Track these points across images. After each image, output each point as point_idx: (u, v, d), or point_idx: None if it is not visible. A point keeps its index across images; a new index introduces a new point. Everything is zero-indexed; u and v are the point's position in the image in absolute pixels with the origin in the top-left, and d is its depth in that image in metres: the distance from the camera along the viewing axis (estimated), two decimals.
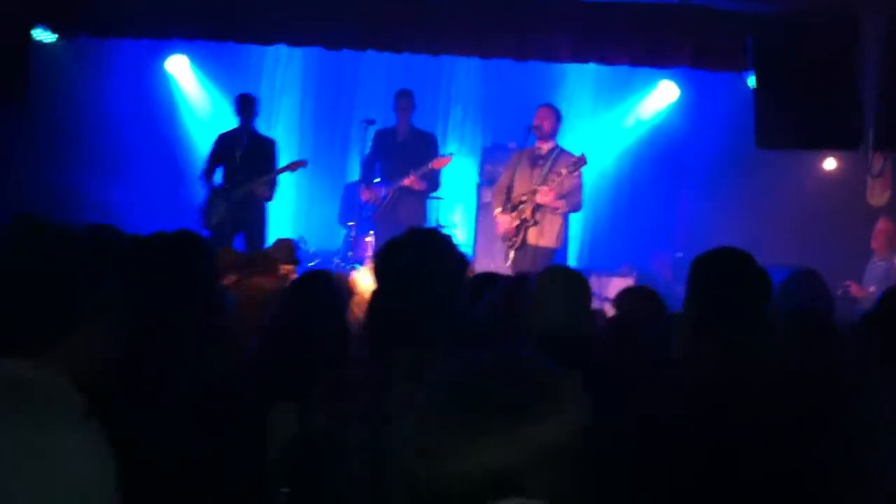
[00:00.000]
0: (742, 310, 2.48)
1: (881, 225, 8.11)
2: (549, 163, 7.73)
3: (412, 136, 8.59)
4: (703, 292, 2.57)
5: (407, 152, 8.47)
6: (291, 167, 8.43)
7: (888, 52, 7.02)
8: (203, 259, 2.93)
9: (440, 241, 2.66)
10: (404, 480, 1.35)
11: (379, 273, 2.69)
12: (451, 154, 8.55)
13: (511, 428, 1.29)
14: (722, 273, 2.56)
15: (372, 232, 8.62)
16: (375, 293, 2.70)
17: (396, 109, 8.59)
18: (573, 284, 3.19)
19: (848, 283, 7.63)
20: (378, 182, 8.60)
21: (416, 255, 2.58)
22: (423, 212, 8.57)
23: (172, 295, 2.73)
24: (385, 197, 8.47)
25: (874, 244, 8.08)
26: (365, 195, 8.57)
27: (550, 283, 3.21)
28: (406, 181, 8.29)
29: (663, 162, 9.83)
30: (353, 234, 8.54)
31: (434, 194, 9.09)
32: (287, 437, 2.83)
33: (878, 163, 7.79)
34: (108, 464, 1.65)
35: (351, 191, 9.22)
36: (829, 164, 9.66)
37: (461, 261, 2.68)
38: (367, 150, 8.66)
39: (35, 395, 1.66)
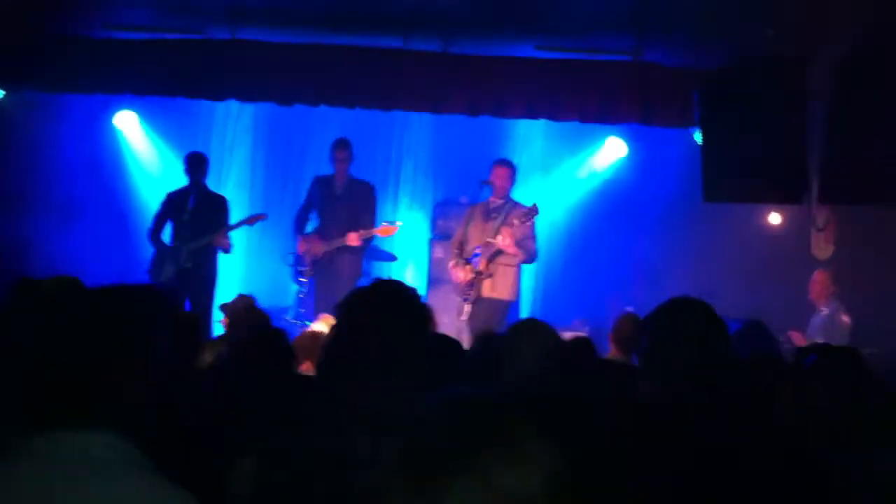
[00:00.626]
0: (706, 356, 2.50)
1: (816, 276, 8.34)
2: (502, 215, 7.81)
3: (350, 187, 8.47)
4: (667, 339, 2.57)
5: (345, 204, 8.38)
6: (250, 220, 8.40)
7: (832, 106, 7.20)
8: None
9: (405, 292, 2.66)
10: None
11: (343, 322, 2.66)
12: (397, 223, 8.47)
13: (478, 476, 1.27)
14: (685, 321, 2.58)
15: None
16: (335, 341, 2.68)
17: (334, 161, 8.45)
18: (545, 337, 3.22)
19: (790, 332, 7.77)
20: (313, 233, 8.50)
21: (383, 305, 2.57)
22: (360, 267, 8.48)
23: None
24: (323, 252, 8.35)
25: (811, 295, 8.32)
26: (302, 247, 8.46)
27: (521, 337, 3.24)
28: (349, 240, 8.19)
29: (614, 215, 9.93)
30: (304, 290, 8.46)
31: (387, 253, 9.09)
32: (247, 494, 2.77)
33: (821, 217, 7.95)
34: None
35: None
36: (775, 218, 9.84)
37: (425, 312, 2.67)
38: (303, 200, 8.60)
39: (107, 463, 1.69)
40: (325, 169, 8.63)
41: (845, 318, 8.18)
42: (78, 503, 1.64)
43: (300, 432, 2.56)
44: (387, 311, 2.57)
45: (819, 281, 8.33)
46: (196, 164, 8.32)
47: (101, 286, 1.97)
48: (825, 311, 8.28)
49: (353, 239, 8.16)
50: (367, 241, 8.36)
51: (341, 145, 8.44)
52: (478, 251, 7.78)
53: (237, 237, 8.58)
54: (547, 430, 1.38)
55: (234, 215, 8.53)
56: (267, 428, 2.78)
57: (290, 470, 2.50)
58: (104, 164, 10.03)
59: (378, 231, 8.26)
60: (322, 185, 8.51)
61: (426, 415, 1.38)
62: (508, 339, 3.24)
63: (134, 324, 1.85)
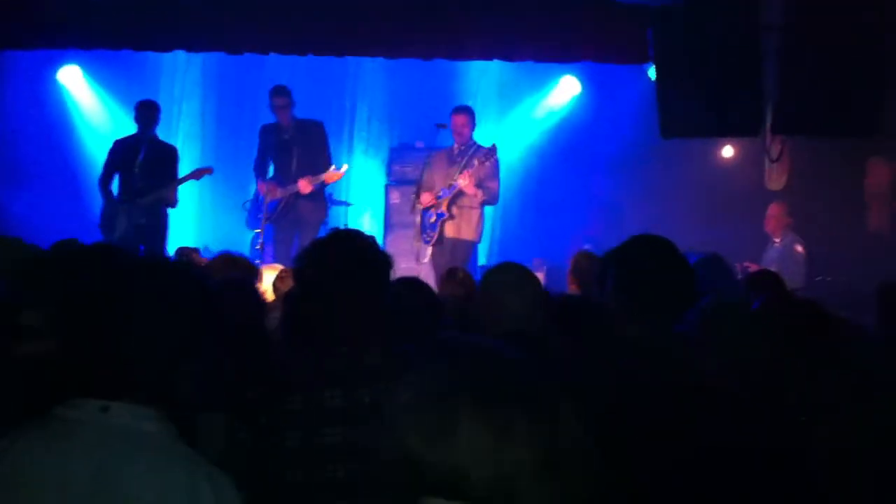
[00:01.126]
0: (673, 293, 2.51)
1: (771, 210, 8.48)
2: (465, 158, 7.87)
3: (298, 129, 8.38)
4: (632, 279, 2.58)
5: (297, 148, 8.31)
6: (196, 174, 8.28)
7: (786, 38, 7.22)
8: None
9: (363, 240, 2.64)
10: (395, 475, 1.31)
11: (303, 273, 2.64)
12: (343, 166, 8.35)
13: (498, 427, 1.26)
14: (652, 258, 2.58)
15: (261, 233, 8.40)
16: (295, 295, 2.65)
17: (274, 109, 8.35)
18: (525, 279, 3.22)
19: (746, 263, 7.89)
20: (271, 179, 8.41)
21: (341, 254, 2.55)
22: (322, 211, 8.44)
23: None
24: (280, 199, 8.29)
25: (767, 228, 8.47)
26: (262, 189, 8.39)
27: (503, 279, 3.24)
28: (301, 187, 8.15)
29: (570, 155, 9.96)
30: (260, 240, 8.39)
31: (342, 199, 9.04)
32: (217, 450, 2.76)
33: (776, 148, 8.02)
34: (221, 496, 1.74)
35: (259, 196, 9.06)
36: (727, 151, 9.93)
37: (385, 259, 2.66)
38: (257, 150, 8.52)
39: (149, 444, 1.72)
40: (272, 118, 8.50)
41: (800, 249, 8.32)
42: (131, 477, 1.67)
43: (271, 386, 2.55)
44: (347, 264, 2.55)
45: (774, 214, 8.46)
46: (146, 112, 8.18)
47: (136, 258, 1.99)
48: (779, 242, 8.42)
49: (304, 186, 8.13)
50: (320, 186, 8.29)
51: (279, 92, 8.33)
52: (441, 193, 7.83)
53: (190, 190, 8.49)
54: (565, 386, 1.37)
55: (185, 167, 8.41)
56: (235, 383, 2.77)
57: (259, 426, 2.49)
58: (51, 122, 9.87)
59: (325, 177, 8.19)
60: (270, 133, 8.43)
61: (430, 365, 1.36)
62: (493, 285, 3.23)
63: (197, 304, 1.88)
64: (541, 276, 8.59)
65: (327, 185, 8.39)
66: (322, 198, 8.47)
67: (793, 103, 7.19)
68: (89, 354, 1.75)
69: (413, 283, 3.92)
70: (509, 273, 3.31)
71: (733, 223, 9.00)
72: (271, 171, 8.48)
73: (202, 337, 1.87)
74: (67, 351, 1.82)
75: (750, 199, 9.19)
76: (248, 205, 8.65)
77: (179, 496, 1.67)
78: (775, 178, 9.12)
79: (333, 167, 8.23)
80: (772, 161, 8.16)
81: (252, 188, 8.79)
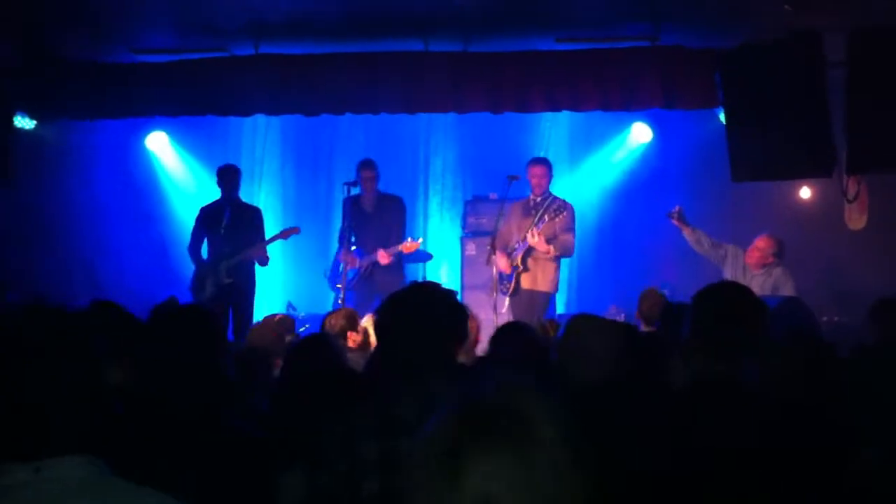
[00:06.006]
0: (747, 334, 2.65)
1: (759, 242, 7.93)
2: (541, 210, 8.01)
3: (379, 204, 8.73)
4: (711, 321, 2.73)
5: (377, 221, 8.65)
6: (284, 234, 8.60)
7: (850, 72, 7.17)
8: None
9: (440, 293, 2.76)
10: None
11: (382, 325, 2.77)
12: (419, 239, 8.63)
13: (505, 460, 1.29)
14: (727, 302, 2.75)
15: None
16: (378, 347, 2.76)
17: (360, 181, 8.65)
18: (604, 330, 3.26)
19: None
20: (355, 249, 8.70)
21: (419, 306, 2.67)
22: (399, 277, 8.61)
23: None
24: (360, 268, 8.59)
25: (748, 259, 8.07)
26: (343, 258, 8.67)
27: (582, 331, 3.28)
28: (379, 258, 8.44)
29: (643, 202, 9.93)
30: (341, 297, 8.59)
31: (424, 252, 9.25)
32: (298, 498, 2.86)
33: (853, 187, 7.90)
34: None
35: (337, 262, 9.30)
36: (805, 192, 9.80)
37: (461, 311, 2.77)
38: (342, 220, 8.80)
39: (93, 482, 1.75)
40: (354, 175, 8.75)
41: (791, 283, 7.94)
42: None
43: (348, 437, 2.65)
44: (424, 313, 2.67)
45: (761, 247, 8.00)
46: (228, 177, 8.49)
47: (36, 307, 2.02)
48: (760, 273, 8.05)
49: (382, 256, 8.42)
50: (398, 256, 8.58)
51: (366, 165, 8.69)
52: (517, 245, 7.97)
53: (274, 249, 8.75)
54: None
55: (268, 225, 8.69)
56: (317, 434, 2.88)
57: (338, 475, 2.59)
58: (140, 186, 10.23)
59: (402, 248, 8.49)
60: (353, 205, 8.71)
61: (458, 406, 1.38)
62: (573, 337, 3.27)
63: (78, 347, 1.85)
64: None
65: (405, 254, 8.64)
66: (400, 269, 8.73)
67: (864, 141, 7.11)
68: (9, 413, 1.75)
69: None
70: (587, 327, 3.35)
71: (813, 264, 8.87)
72: (353, 239, 8.73)
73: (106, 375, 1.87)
74: None
75: (828, 240, 9.06)
76: (327, 272, 8.90)
77: None
78: (855, 218, 8.95)
79: (410, 239, 8.50)
80: (849, 201, 8.02)
81: (331, 254, 9.06)
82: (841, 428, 2.46)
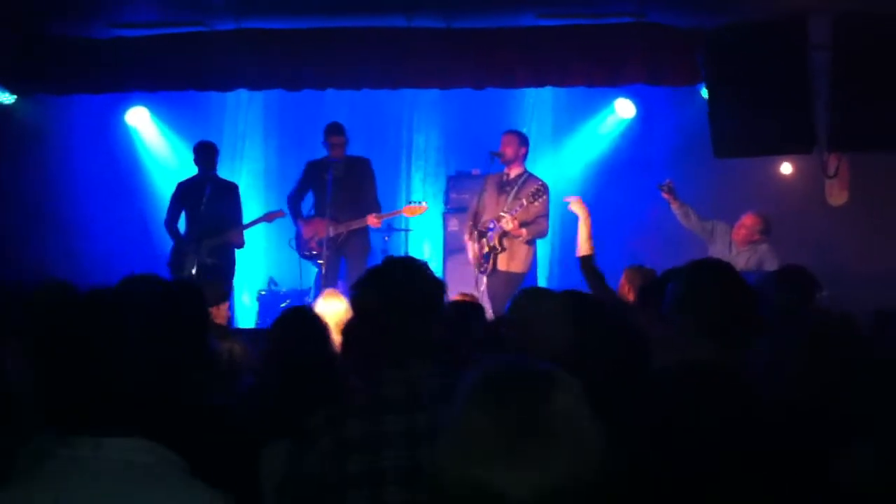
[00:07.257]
0: (736, 311, 2.59)
1: (746, 219, 8.04)
2: (515, 188, 7.90)
3: (349, 167, 8.47)
4: (696, 300, 2.67)
5: (346, 184, 8.40)
6: (267, 217, 8.57)
7: (835, 53, 7.21)
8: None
9: (416, 268, 2.75)
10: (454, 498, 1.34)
11: (359, 301, 2.75)
12: (424, 203, 8.57)
13: (547, 451, 1.31)
14: (715, 281, 2.69)
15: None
16: (354, 322, 2.75)
17: (328, 146, 8.45)
18: (546, 300, 3.26)
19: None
20: (314, 216, 8.56)
21: (395, 282, 2.66)
22: (367, 242, 8.57)
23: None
24: (335, 233, 8.40)
25: (734, 235, 8.12)
26: (307, 231, 8.53)
27: (524, 304, 3.28)
28: (370, 222, 8.31)
29: (625, 178, 9.93)
30: (323, 271, 8.56)
31: (403, 227, 9.20)
32: (280, 475, 2.86)
33: (832, 164, 7.96)
34: None
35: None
36: (786, 168, 9.84)
37: (438, 285, 2.76)
38: (294, 184, 8.66)
39: (149, 469, 1.73)
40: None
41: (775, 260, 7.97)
42: None
43: (334, 410, 2.64)
44: (399, 287, 2.66)
45: (747, 224, 8.08)
46: (206, 154, 8.44)
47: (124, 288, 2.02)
48: (745, 249, 8.09)
49: (373, 221, 8.30)
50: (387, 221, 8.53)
51: (335, 130, 8.46)
52: (491, 225, 7.87)
53: (256, 226, 8.73)
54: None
55: (248, 203, 8.66)
56: (302, 408, 2.87)
57: (322, 451, 2.58)
58: (120, 162, 10.14)
59: (404, 211, 8.46)
60: (317, 169, 8.53)
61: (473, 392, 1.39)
62: (517, 312, 3.26)
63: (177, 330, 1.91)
64: None
65: (408, 217, 8.65)
66: (366, 234, 8.58)
67: (845, 120, 7.18)
68: (75, 388, 1.75)
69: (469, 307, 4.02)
70: (535, 291, 3.34)
71: (794, 239, 8.90)
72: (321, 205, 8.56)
73: (190, 362, 1.92)
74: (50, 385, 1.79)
75: (811, 216, 9.10)
76: (293, 242, 8.80)
77: None
78: (836, 194, 9.00)
79: (414, 203, 8.55)
80: (828, 177, 8.09)
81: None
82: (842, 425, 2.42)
